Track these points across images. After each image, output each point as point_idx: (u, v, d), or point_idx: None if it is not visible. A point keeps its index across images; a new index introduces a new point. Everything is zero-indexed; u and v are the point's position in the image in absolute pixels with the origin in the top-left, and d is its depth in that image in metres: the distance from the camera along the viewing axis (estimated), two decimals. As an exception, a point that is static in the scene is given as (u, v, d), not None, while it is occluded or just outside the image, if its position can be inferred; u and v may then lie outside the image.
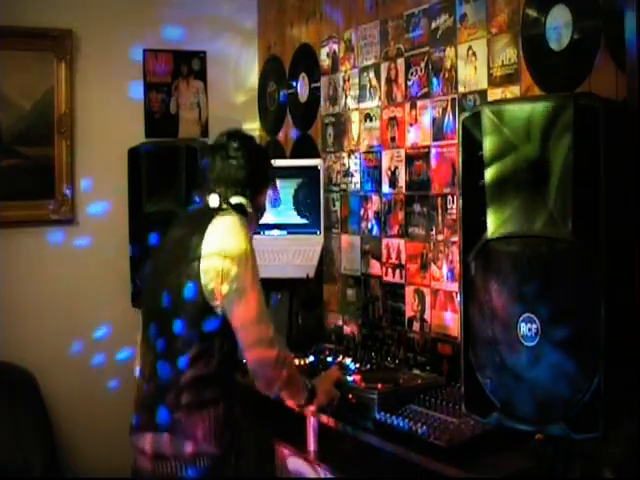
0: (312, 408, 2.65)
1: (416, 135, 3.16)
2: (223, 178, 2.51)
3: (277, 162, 3.76)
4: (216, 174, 2.52)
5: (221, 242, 2.37)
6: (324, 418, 2.73)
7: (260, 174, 2.60)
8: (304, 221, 3.58)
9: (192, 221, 2.50)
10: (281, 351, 2.41)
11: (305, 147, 3.92)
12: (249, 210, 2.52)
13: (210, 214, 2.45)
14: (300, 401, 2.58)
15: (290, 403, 2.63)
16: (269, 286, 3.43)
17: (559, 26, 2.50)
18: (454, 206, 2.95)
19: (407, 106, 3.22)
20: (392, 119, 3.30)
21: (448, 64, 2.99)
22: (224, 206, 2.47)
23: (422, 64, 3.13)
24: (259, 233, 3.61)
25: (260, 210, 2.65)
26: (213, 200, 2.49)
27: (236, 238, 2.39)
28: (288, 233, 3.62)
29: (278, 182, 3.61)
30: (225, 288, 2.34)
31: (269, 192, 2.68)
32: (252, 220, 2.56)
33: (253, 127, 4.25)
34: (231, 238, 2.38)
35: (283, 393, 2.49)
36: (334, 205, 3.69)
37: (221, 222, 2.42)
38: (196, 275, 2.35)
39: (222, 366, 2.41)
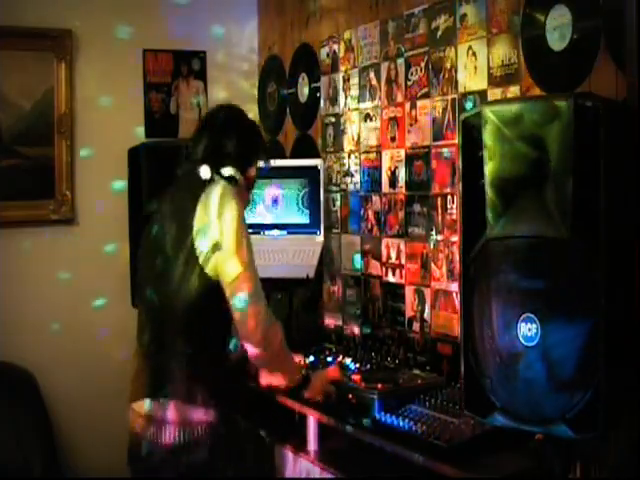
0: (306, 395, 2.65)
1: (416, 135, 3.16)
2: (214, 150, 2.54)
3: (277, 162, 3.77)
4: (207, 146, 2.56)
5: (213, 213, 2.40)
6: (324, 418, 2.73)
7: (250, 146, 2.63)
8: (304, 221, 3.58)
9: (185, 192, 2.52)
10: (273, 325, 2.42)
11: (305, 147, 3.92)
12: (239, 180, 2.54)
13: (202, 185, 2.47)
14: (289, 377, 2.57)
15: (278, 377, 2.59)
16: (269, 286, 3.43)
17: (559, 26, 2.50)
18: (454, 206, 2.95)
19: (407, 106, 3.22)
20: (392, 119, 3.30)
21: (448, 64, 2.99)
22: (215, 177, 2.50)
23: (422, 64, 3.13)
24: (259, 233, 3.62)
25: (251, 183, 2.67)
26: (204, 171, 2.51)
27: (227, 209, 2.41)
28: (288, 233, 3.62)
29: (278, 182, 3.64)
30: (218, 256, 2.37)
31: (260, 165, 2.69)
32: (243, 191, 2.58)
33: (253, 127, 4.25)
34: (223, 209, 2.40)
35: (273, 363, 2.50)
36: (334, 205, 3.69)
37: (212, 193, 2.44)
38: (190, 245, 2.38)
39: (218, 333, 2.46)
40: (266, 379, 2.59)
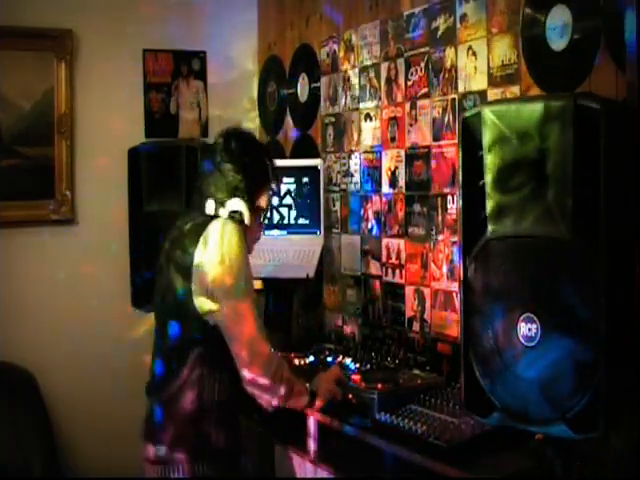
0: (315, 408, 2.65)
1: (416, 135, 3.16)
2: (219, 182, 2.47)
3: (277, 162, 3.77)
4: (212, 178, 2.49)
5: (212, 253, 2.35)
6: (324, 418, 2.73)
7: (258, 175, 2.54)
8: (304, 221, 3.58)
9: (188, 226, 2.47)
10: (277, 369, 2.42)
11: (305, 147, 3.92)
12: (246, 214, 2.47)
13: (205, 221, 2.43)
14: (302, 405, 2.59)
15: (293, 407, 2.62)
16: (269, 286, 3.43)
17: (559, 26, 2.50)
18: (454, 206, 2.95)
19: (407, 106, 3.22)
20: (392, 119, 3.30)
21: (448, 64, 2.99)
22: (220, 212, 2.44)
23: (422, 64, 3.13)
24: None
25: (262, 212, 2.60)
26: (209, 206, 2.46)
27: (227, 249, 2.36)
28: (288, 233, 3.61)
29: (277, 182, 3.63)
30: (216, 301, 2.36)
31: (271, 191, 2.64)
32: (252, 224, 2.51)
33: (253, 127, 4.25)
34: (222, 249, 2.35)
35: (286, 404, 2.50)
36: (334, 205, 3.69)
37: (214, 231, 2.38)
38: (188, 284, 2.37)
39: (211, 373, 2.44)
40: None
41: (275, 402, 2.46)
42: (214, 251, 2.36)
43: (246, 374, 2.39)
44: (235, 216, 2.45)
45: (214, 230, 2.39)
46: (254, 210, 2.52)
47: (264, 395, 2.43)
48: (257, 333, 2.40)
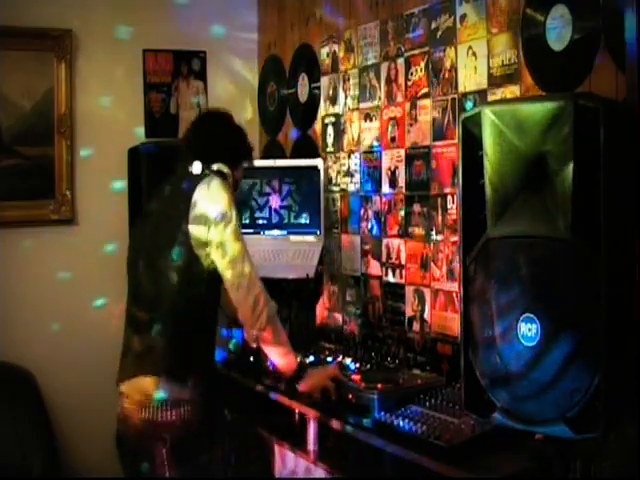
0: (301, 388, 2.73)
1: (416, 135, 3.17)
2: (204, 149, 2.72)
3: (277, 162, 3.78)
4: (198, 145, 2.73)
5: (206, 208, 2.55)
6: (324, 418, 2.73)
7: (238, 147, 2.82)
8: (304, 221, 3.58)
9: (178, 185, 2.67)
10: (261, 295, 2.61)
11: (305, 147, 3.92)
12: (228, 176, 2.71)
13: (194, 179, 2.63)
14: (285, 364, 2.72)
15: (275, 360, 2.75)
16: (269, 286, 3.43)
17: (559, 26, 2.50)
18: (454, 206, 2.95)
19: (407, 106, 3.22)
20: (392, 119, 3.30)
21: (448, 64, 2.99)
22: (206, 172, 2.66)
23: (422, 64, 3.13)
24: (259, 233, 3.62)
25: (236, 184, 2.83)
26: (196, 167, 2.67)
27: (220, 203, 2.56)
28: (288, 233, 3.62)
29: (278, 182, 3.64)
30: (211, 251, 2.55)
31: (244, 166, 2.86)
32: (230, 187, 2.71)
33: (253, 127, 4.25)
34: (215, 203, 2.56)
35: (265, 334, 2.62)
36: (334, 205, 3.69)
37: (204, 187, 2.59)
38: (185, 240, 2.53)
39: (208, 318, 2.65)
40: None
41: (255, 331, 2.60)
42: (208, 207, 2.56)
43: (232, 296, 2.60)
44: (221, 175, 2.69)
45: (205, 186, 2.60)
46: (232, 176, 2.75)
47: (247, 321, 2.60)
48: (243, 254, 2.58)
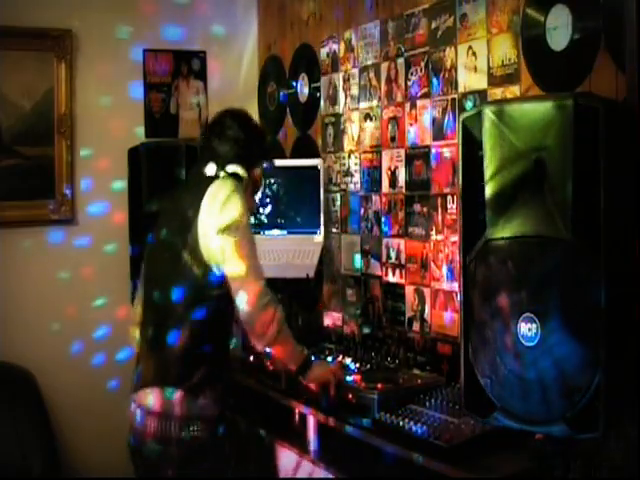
0: (306, 380, 2.67)
1: (416, 135, 3.17)
2: (220, 151, 2.62)
3: (277, 162, 3.77)
4: (213, 147, 2.64)
5: (216, 214, 2.46)
6: (324, 418, 2.73)
7: (255, 148, 2.70)
8: (304, 221, 3.57)
9: (191, 189, 2.61)
10: (273, 301, 2.50)
11: (305, 147, 3.92)
12: (244, 177, 2.62)
13: (207, 182, 2.55)
14: (293, 360, 2.63)
15: (283, 359, 2.66)
16: (269, 286, 3.42)
17: (559, 26, 2.50)
18: (454, 206, 2.95)
19: (407, 106, 3.22)
20: (392, 119, 3.30)
21: (448, 64, 2.99)
22: (221, 174, 2.58)
23: (422, 64, 3.13)
24: (259, 233, 3.62)
25: (257, 184, 2.75)
26: (210, 169, 2.60)
27: (230, 208, 2.48)
28: (288, 233, 3.62)
29: (278, 182, 3.64)
30: (222, 259, 2.46)
31: (264, 166, 2.77)
32: (247, 188, 2.64)
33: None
34: (226, 208, 2.47)
35: (274, 351, 2.55)
36: (334, 205, 3.69)
37: (216, 190, 2.51)
38: (195, 246, 2.46)
39: (223, 330, 2.57)
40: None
41: (261, 347, 2.50)
42: (218, 213, 2.46)
43: (241, 297, 2.45)
44: (236, 177, 2.60)
45: (217, 189, 2.51)
46: (248, 179, 2.65)
47: (253, 339, 2.49)
48: (257, 276, 2.49)
